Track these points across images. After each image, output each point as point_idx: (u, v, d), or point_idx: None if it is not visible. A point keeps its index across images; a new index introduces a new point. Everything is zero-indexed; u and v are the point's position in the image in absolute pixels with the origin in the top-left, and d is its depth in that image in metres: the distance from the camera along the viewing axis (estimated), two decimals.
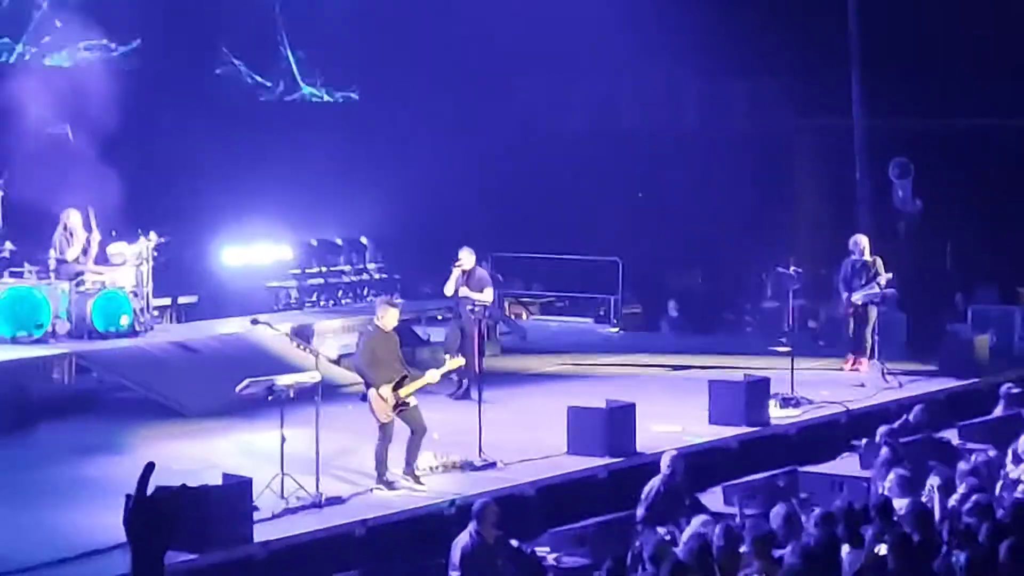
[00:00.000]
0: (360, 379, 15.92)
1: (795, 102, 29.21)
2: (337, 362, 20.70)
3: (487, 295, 20.11)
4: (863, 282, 22.21)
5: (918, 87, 27.24)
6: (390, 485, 15.24)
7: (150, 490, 4.46)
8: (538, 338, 26.16)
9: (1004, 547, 10.56)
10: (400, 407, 15.39)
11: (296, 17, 29.10)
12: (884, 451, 16.19)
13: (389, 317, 15.69)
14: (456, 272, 20.11)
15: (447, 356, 17.52)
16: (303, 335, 20.17)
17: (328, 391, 16.47)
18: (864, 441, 17.49)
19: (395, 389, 15.37)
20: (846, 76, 27.58)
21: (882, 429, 16.88)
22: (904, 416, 18.01)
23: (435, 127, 28.46)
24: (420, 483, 15.41)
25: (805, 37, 27.76)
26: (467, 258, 20.23)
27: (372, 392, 15.34)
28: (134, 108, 23.05)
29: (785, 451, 17.97)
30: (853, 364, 22.43)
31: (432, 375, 15.88)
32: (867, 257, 22.37)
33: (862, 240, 22.59)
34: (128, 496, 4.43)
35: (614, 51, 28.40)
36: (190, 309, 23.97)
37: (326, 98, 29.68)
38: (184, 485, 4.58)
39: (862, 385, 21.20)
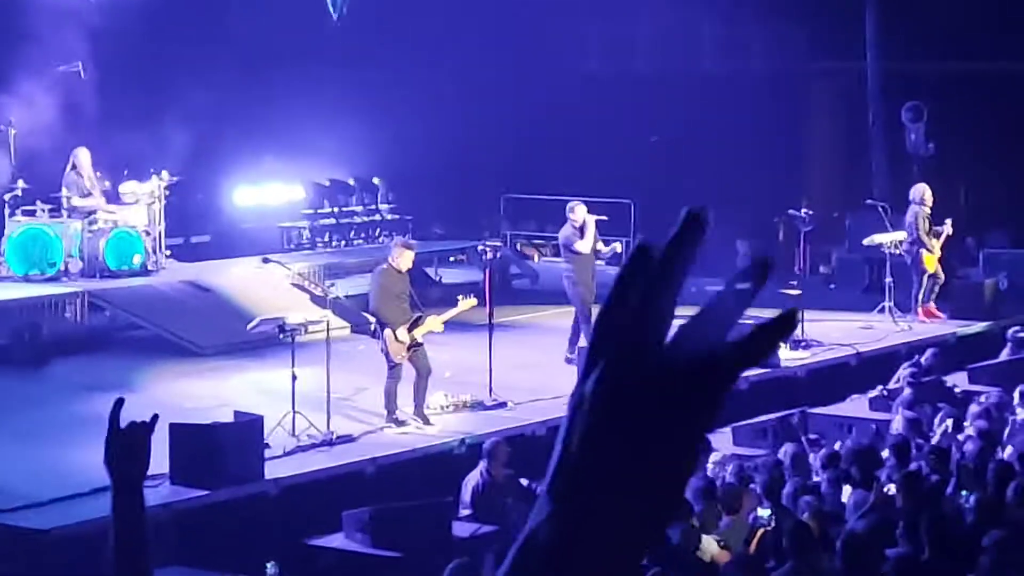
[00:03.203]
0: (372, 319, 15.87)
1: (810, 45, 29.07)
2: (347, 301, 20.69)
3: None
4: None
5: (932, 30, 27.09)
6: (400, 423, 15.29)
7: (123, 424, 4.52)
8: (548, 280, 26.07)
9: (1011, 488, 10.61)
10: (412, 347, 15.42)
11: None
12: (907, 391, 16.21)
13: (404, 259, 15.69)
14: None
15: (460, 297, 17.31)
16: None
17: (338, 329, 16.50)
18: (896, 375, 17.32)
19: (410, 330, 15.38)
20: (861, 19, 27.44)
21: (904, 370, 16.87)
22: (916, 358, 17.99)
23: (449, 67, 28.35)
24: (430, 423, 15.45)
25: None
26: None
27: (388, 333, 15.32)
28: (147, 46, 22.98)
29: (795, 392, 17.97)
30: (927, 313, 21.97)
31: (440, 321, 15.81)
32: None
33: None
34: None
35: None
36: (201, 248, 23.95)
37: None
38: (155, 415, 4.61)
39: (871, 328, 21.11)
